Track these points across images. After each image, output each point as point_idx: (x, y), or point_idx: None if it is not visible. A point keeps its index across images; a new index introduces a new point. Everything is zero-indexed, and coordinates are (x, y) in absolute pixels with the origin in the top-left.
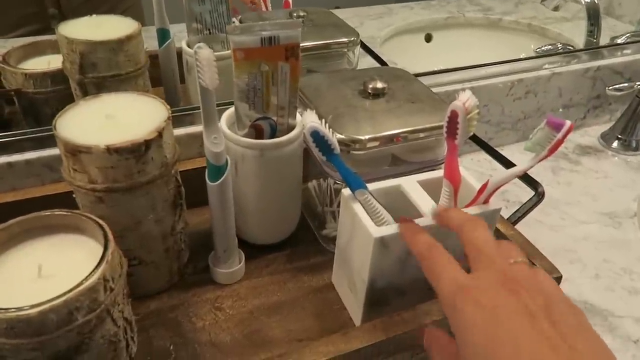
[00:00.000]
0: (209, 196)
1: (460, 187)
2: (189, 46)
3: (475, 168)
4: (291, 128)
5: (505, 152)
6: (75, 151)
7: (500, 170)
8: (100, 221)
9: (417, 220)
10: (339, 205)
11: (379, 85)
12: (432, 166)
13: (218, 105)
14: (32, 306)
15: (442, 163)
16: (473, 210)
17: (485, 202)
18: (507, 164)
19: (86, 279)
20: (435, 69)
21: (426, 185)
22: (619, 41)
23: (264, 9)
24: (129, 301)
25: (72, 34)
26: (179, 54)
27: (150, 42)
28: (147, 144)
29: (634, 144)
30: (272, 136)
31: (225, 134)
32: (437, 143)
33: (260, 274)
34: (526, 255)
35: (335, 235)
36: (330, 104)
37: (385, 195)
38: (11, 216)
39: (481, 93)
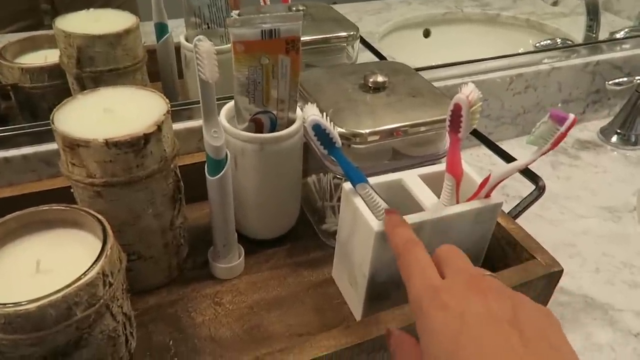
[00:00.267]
0: (208, 190)
1: (462, 180)
2: (187, 40)
3: (474, 163)
4: (291, 122)
5: (504, 146)
6: (73, 145)
7: (502, 164)
8: (99, 216)
9: (417, 214)
10: (338, 200)
11: (380, 79)
12: (432, 160)
13: (217, 99)
14: (31, 301)
15: (443, 157)
16: (475, 203)
17: (487, 196)
18: (508, 158)
19: (85, 273)
20: (434, 64)
21: (427, 180)
22: (618, 36)
23: (262, 3)
24: (128, 296)
25: (69, 28)
26: (177, 49)
27: (146, 38)
28: (146, 137)
29: (633, 139)
30: (272, 130)
31: (225, 128)
32: (438, 137)
33: (260, 269)
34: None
35: (335, 230)
36: (330, 98)
37: (386, 190)
38: (8, 212)
39: (481, 88)
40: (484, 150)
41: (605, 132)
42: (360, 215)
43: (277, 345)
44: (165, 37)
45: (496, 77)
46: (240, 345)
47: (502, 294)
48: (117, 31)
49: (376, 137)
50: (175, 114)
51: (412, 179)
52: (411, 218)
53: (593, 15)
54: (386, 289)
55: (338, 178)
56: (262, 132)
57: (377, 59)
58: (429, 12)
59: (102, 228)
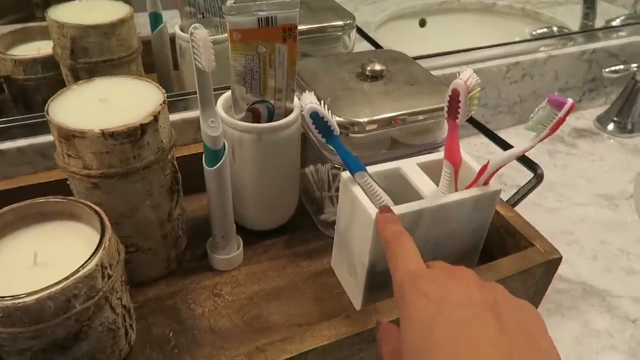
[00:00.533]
0: (206, 181)
1: (460, 168)
2: (182, 30)
3: (472, 152)
4: (289, 111)
5: (501, 135)
6: (69, 136)
7: (500, 152)
8: (96, 207)
9: (416, 202)
10: (336, 190)
11: (377, 67)
12: (430, 149)
13: (214, 90)
14: (29, 294)
15: (441, 146)
16: (474, 191)
17: (486, 183)
18: (506, 146)
19: (83, 265)
20: (431, 53)
21: (426, 168)
22: (614, 24)
23: None
24: (127, 288)
25: (62, 18)
26: (172, 39)
27: (140, 30)
28: (142, 128)
29: (629, 127)
30: (270, 120)
31: (222, 118)
32: (435, 125)
33: (259, 260)
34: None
35: (333, 220)
36: (328, 87)
37: (384, 178)
38: (4, 205)
39: (478, 76)
40: (482, 139)
41: (601, 120)
42: (359, 204)
43: (277, 336)
44: (159, 27)
45: (493, 66)
46: (240, 336)
47: (485, 285)
48: (111, 21)
49: (374, 126)
50: (171, 105)
51: (410, 167)
52: (410, 206)
53: (589, 3)
54: (385, 279)
55: (336, 168)
56: (259, 122)
57: (373, 49)
58: (424, 2)
59: (99, 220)
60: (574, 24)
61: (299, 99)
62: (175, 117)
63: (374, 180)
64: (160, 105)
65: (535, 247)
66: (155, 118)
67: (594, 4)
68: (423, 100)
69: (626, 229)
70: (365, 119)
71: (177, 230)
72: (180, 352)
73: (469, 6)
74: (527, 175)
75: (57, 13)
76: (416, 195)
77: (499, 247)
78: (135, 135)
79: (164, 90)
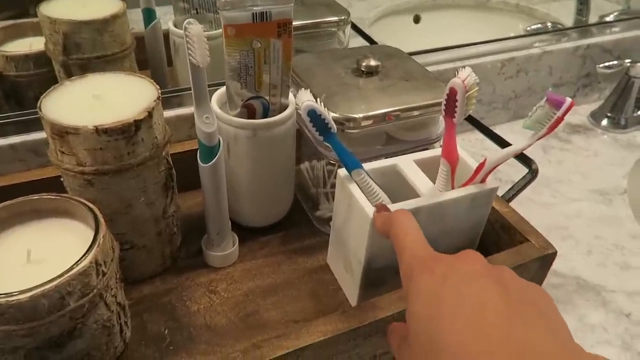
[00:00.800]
0: (201, 178)
1: (457, 166)
2: (176, 26)
3: (467, 148)
4: (284, 107)
5: (496, 131)
6: (62, 132)
7: (497, 149)
8: (90, 204)
9: (413, 200)
10: (332, 187)
11: (373, 63)
12: (426, 144)
13: (208, 86)
14: (23, 291)
15: (436, 141)
16: (470, 189)
17: (482, 181)
18: (503, 143)
19: (77, 263)
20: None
21: (422, 165)
22: (607, 19)
23: None
24: (122, 286)
25: (54, 14)
26: (166, 36)
27: (134, 26)
28: (136, 124)
29: (623, 122)
30: (265, 116)
31: (217, 114)
32: (431, 121)
33: (255, 257)
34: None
35: (329, 217)
36: (323, 82)
37: (381, 175)
38: None
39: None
40: (477, 135)
41: (595, 116)
42: (355, 202)
43: (273, 332)
44: (153, 23)
45: (487, 62)
46: (236, 333)
47: (492, 265)
48: (104, 17)
49: (369, 122)
50: (166, 101)
51: (407, 164)
52: (407, 204)
53: None
54: (382, 275)
55: (331, 164)
56: (254, 118)
57: (368, 45)
58: None
59: (93, 217)
60: (568, 20)
61: (294, 95)
62: (169, 113)
63: (371, 178)
64: (155, 101)
65: (530, 242)
66: (150, 114)
67: (587, 0)
68: (418, 95)
69: (620, 224)
70: (361, 115)
71: (172, 227)
72: (176, 349)
73: (463, 2)
74: (522, 170)
75: (49, 9)
76: (413, 193)
77: (495, 242)
78: (129, 131)
79: (158, 87)
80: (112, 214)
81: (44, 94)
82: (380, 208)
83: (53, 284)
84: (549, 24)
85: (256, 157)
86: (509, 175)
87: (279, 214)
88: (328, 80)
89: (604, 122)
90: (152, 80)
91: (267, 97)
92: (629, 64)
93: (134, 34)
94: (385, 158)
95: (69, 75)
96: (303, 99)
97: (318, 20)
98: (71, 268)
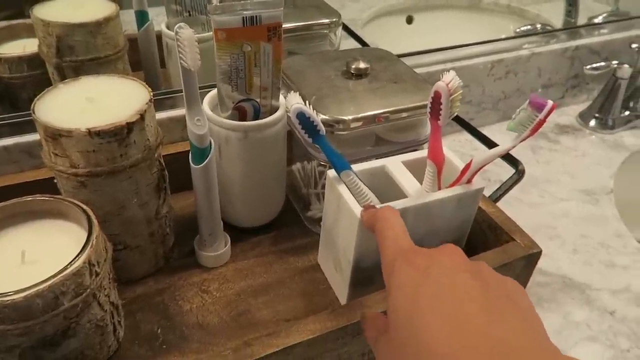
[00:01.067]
0: (193, 179)
1: (444, 167)
2: (168, 28)
3: (457, 148)
4: (274, 109)
5: (486, 131)
6: (55, 135)
7: (483, 150)
8: (84, 206)
9: (401, 201)
10: (323, 187)
11: (362, 65)
12: (415, 146)
13: (200, 88)
14: (17, 291)
15: (425, 142)
16: (457, 189)
17: (469, 181)
18: (490, 144)
19: (71, 263)
20: (416, 50)
21: (410, 166)
22: (596, 21)
23: None
24: (115, 286)
25: (47, 17)
26: (159, 37)
27: (126, 27)
28: (129, 126)
29: (610, 123)
30: (256, 118)
31: (208, 116)
32: (419, 122)
33: (246, 257)
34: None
35: (319, 217)
36: (313, 85)
37: (370, 176)
38: None
39: (462, 73)
40: (466, 136)
41: (583, 117)
42: (344, 203)
43: (265, 331)
44: (146, 25)
45: (477, 63)
46: (228, 332)
47: (471, 261)
48: (97, 19)
49: (359, 123)
50: (158, 103)
51: (395, 165)
52: (395, 204)
53: (572, 0)
54: (370, 275)
55: (322, 165)
56: (245, 120)
57: (359, 46)
58: None
59: (87, 218)
60: (558, 21)
61: (285, 97)
62: (161, 115)
63: (360, 179)
64: (147, 103)
65: (516, 241)
66: (142, 117)
67: (576, 1)
68: (407, 97)
69: (606, 223)
70: (350, 117)
71: (165, 227)
72: (169, 348)
73: (456, 3)
74: (510, 170)
75: (42, 11)
76: (401, 194)
77: (481, 241)
78: (121, 133)
79: (150, 89)
80: (105, 215)
81: (37, 97)
82: (368, 207)
83: (47, 284)
84: (539, 26)
85: (247, 158)
86: (498, 175)
87: (270, 214)
88: (318, 82)
89: (592, 122)
90: (144, 83)
91: (258, 100)
92: (616, 66)
93: (126, 36)
94: (375, 159)
95: (63, 77)
96: (292, 102)
97: (309, 22)
98: (65, 268)
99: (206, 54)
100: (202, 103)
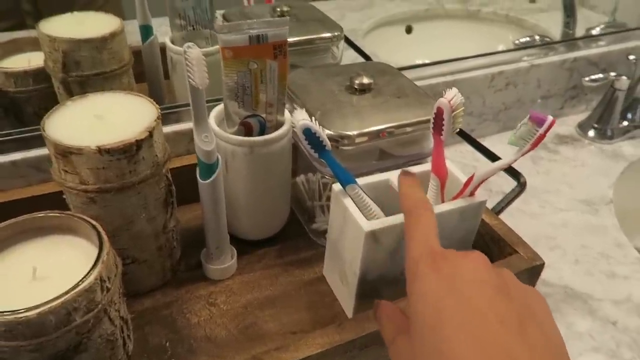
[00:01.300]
0: (200, 194)
1: (447, 180)
2: (173, 43)
3: (459, 159)
4: (280, 125)
5: (486, 142)
6: (65, 152)
7: (485, 164)
8: (94, 222)
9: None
10: (327, 200)
11: (365, 80)
12: (419, 159)
13: (206, 102)
14: (31, 308)
15: (429, 156)
16: (460, 202)
17: (471, 194)
18: (491, 155)
19: (83, 279)
20: (417, 61)
21: None
22: (593, 32)
23: (246, 3)
24: (124, 300)
25: (53, 32)
26: (162, 49)
27: (130, 38)
28: (138, 144)
29: (609, 133)
30: (262, 133)
31: (215, 132)
32: (423, 137)
33: (252, 269)
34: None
35: (324, 229)
36: (317, 100)
37: (374, 190)
38: None
39: (463, 85)
40: (468, 147)
41: (582, 127)
42: (350, 216)
43: (272, 344)
44: (150, 39)
45: (478, 75)
46: (235, 345)
47: (495, 268)
48: (103, 35)
49: (364, 139)
50: (164, 117)
51: None
52: (399, 217)
53: (570, 12)
54: (376, 287)
55: (326, 178)
56: (251, 135)
57: (361, 57)
58: (411, 9)
59: (97, 234)
60: (556, 31)
61: (290, 113)
62: (167, 129)
63: (365, 192)
64: (155, 121)
65: (519, 254)
66: (150, 134)
67: (573, 12)
68: (410, 112)
69: (606, 233)
70: (355, 132)
71: (172, 241)
72: None
73: (454, 13)
74: (512, 181)
75: (48, 27)
76: None
77: (485, 254)
78: (130, 151)
79: (157, 106)
80: (114, 230)
81: (46, 115)
82: (406, 172)
83: (60, 301)
84: (537, 37)
85: (253, 173)
86: (500, 186)
87: (275, 227)
88: (322, 97)
89: (591, 132)
90: (151, 100)
91: (264, 115)
92: (614, 77)
93: (130, 48)
94: (379, 173)
95: (68, 91)
96: (299, 118)
97: (312, 36)
98: (77, 284)
99: (210, 68)
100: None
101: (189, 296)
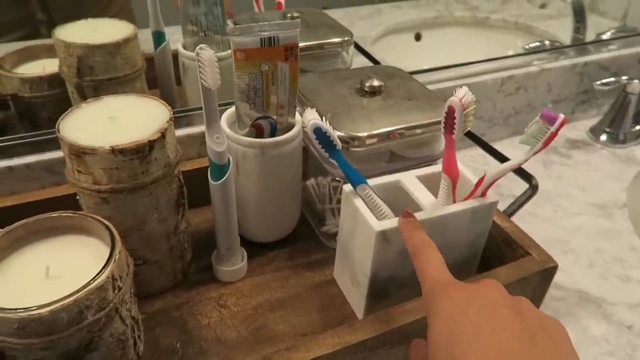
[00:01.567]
0: (211, 195)
1: (458, 181)
2: (185, 48)
3: (469, 163)
4: (290, 127)
5: (497, 147)
6: (80, 153)
7: (496, 164)
8: (106, 222)
9: (416, 214)
10: (338, 202)
11: (376, 83)
12: (428, 161)
13: (217, 105)
14: (43, 305)
15: (439, 158)
16: (471, 202)
17: (483, 195)
18: (501, 157)
19: (95, 278)
20: (426, 67)
21: (425, 180)
22: (604, 37)
23: (257, 10)
24: (135, 300)
25: (68, 38)
26: (174, 55)
27: (143, 46)
28: (150, 144)
29: (621, 137)
30: (273, 135)
31: (226, 134)
32: (433, 138)
33: (263, 271)
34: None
35: (335, 232)
36: (328, 102)
37: (384, 191)
38: (12, 221)
39: (473, 90)
40: (479, 151)
41: (594, 131)
42: (360, 216)
43: (282, 345)
44: (162, 45)
45: (488, 80)
46: (246, 346)
47: (510, 296)
48: (117, 40)
49: (374, 140)
50: (175, 121)
51: (410, 179)
52: None
53: (580, 17)
54: (387, 288)
55: (337, 181)
56: (262, 137)
57: (370, 63)
58: (419, 16)
59: (109, 234)
60: (566, 37)
61: (301, 115)
62: (179, 132)
63: (375, 193)
64: (167, 122)
65: (532, 255)
66: (163, 135)
67: (583, 18)
68: (420, 114)
69: (620, 237)
70: (365, 134)
71: (183, 243)
72: None
73: (463, 20)
74: (524, 185)
75: (63, 33)
76: (415, 207)
77: (497, 256)
78: (143, 151)
79: (170, 108)
80: (126, 231)
81: (61, 116)
82: (406, 214)
83: (72, 298)
84: (547, 42)
85: (264, 174)
86: (510, 190)
87: (286, 229)
88: (333, 100)
89: (603, 137)
90: (164, 102)
91: (275, 117)
92: (625, 81)
93: (143, 55)
94: (389, 174)
95: (83, 96)
96: (309, 118)
97: (322, 41)
98: (89, 283)
99: (222, 72)
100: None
101: (200, 298)
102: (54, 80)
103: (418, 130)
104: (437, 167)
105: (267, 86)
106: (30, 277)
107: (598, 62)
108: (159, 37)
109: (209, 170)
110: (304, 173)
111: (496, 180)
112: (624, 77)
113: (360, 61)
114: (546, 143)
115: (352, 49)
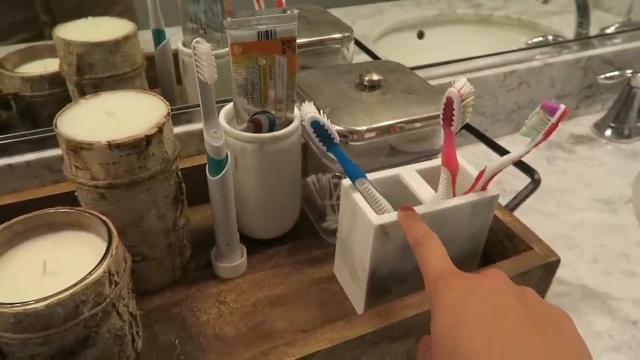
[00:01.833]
0: (210, 191)
1: (458, 174)
2: (184, 46)
3: (471, 160)
4: (289, 121)
5: (500, 143)
6: (76, 148)
7: (497, 157)
8: (103, 217)
9: (416, 207)
10: (338, 199)
11: (375, 77)
12: (428, 156)
13: (216, 102)
14: (39, 300)
15: (439, 153)
16: (472, 196)
17: (483, 188)
18: (503, 152)
19: (91, 272)
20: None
21: (425, 174)
22: (608, 31)
23: (257, 8)
24: (133, 296)
25: (68, 36)
26: (175, 55)
27: (144, 46)
28: (147, 139)
29: (626, 132)
30: (271, 130)
31: (225, 129)
32: (433, 133)
33: (262, 268)
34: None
35: (335, 228)
36: (327, 97)
37: (384, 185)
38: (12, 218)
39: (475, 85)
40: (481, 147)
41: (599, 126)
42: (359, 210)
43: (282, 342)
44: (162, 43)
45: (490, 75)
46: (245, 343)
47: (514, 285)
48: (116, 38)
49: (373, 134)
50: (175, 118)
51: (409, 174)
52: None
53: (583, 12)
54: (387, 283)
55: (337, 177)
56: (261, 132)
57: (371, 60)
58: (421, 14)
59: (106, 229)
60: (570, 33)
61: (299, 109)
62: (178, 129)
63: (374, 187)
64: (165, 117)
65: (534, 250)
66: (160, 129)
67: (587, 13)
68: (420, 108)
69: (625, 232)
70: (364, 127)
71: (182, 239)
72: (187, 359)
73: (466, 17)
74: (526, 180)
75: (63, 31)
76: (415, 201)
77: (499, 251)
78: (140, 146)
79: (168, 103)
80: (124, 227)
81: (59, 112)
82: (405, 208)
83: (68, 293)
84: (550, 37)
85: (263, 170)
86: (513, 185)
87: (286, 225)
88: (332, 94)
89: (608, 132)
90: (162, 97)
91: (273, 112)
92: (630, 75)
93: (144, 54)
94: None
95: (83, 94)
96: (307, 111)
97: (322, 37)
98: (85, 277)
99: (221, 70)
100: (218, 116)
101: (199, 294)
102: (55, 79)
103: (417, 124)
104: (438, 161)
105: (264, 80)
106: (27, 273)
107: (602, 56)
108: (159, 36)
109: (207, 165)
110: (305, 170)
111: (497, 173)
112: (629, 71)
113: (361, 59)
114: (547, 134)
115: (352, 45)
